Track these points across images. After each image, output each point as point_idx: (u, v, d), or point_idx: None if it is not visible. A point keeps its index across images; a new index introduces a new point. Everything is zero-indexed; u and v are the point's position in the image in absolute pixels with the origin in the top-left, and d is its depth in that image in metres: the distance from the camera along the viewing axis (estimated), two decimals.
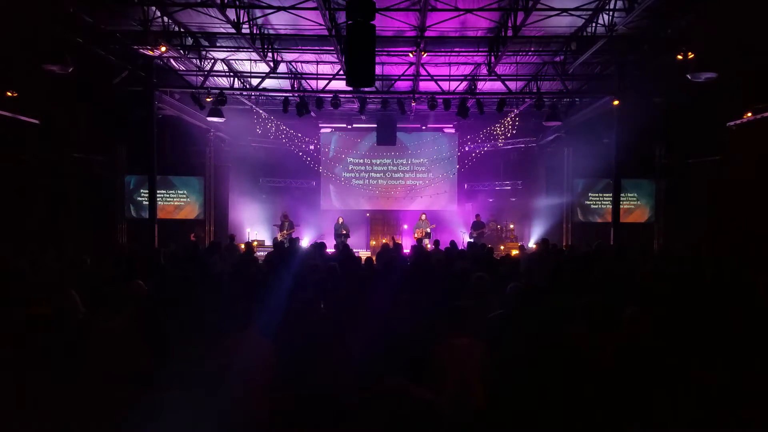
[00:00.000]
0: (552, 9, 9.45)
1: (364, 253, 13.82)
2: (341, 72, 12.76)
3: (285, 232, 15.91)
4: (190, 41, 11.53)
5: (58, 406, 3.36)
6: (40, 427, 3.37)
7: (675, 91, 12.43)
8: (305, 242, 16.33)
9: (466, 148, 19.12)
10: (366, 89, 13.28)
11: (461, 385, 3.74)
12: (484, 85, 14.63)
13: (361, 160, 19.54)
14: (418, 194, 19.37)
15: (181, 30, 11.13)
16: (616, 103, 13.25)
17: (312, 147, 18.90)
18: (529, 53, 12.14)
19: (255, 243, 15.90)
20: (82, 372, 3.52)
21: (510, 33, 10.02)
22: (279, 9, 9.82)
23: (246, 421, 3.61)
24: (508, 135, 17.48)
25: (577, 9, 9.67)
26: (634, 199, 16.19)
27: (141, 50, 11.23)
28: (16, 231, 10.75)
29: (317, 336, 4.41)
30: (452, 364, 3.78)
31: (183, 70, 13.66)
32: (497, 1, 9.61)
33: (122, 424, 3.39)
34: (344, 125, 19.11)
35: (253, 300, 4.66)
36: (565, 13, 9.75)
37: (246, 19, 10.02)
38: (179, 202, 16.09)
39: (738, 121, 12.24)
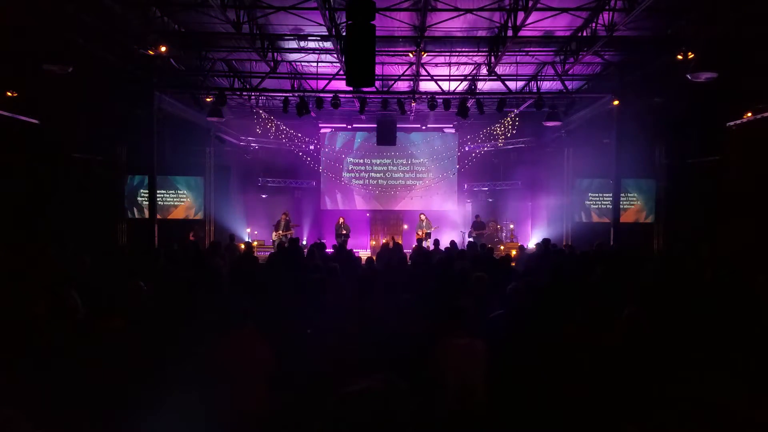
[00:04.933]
0: (552, 9, 9.45)
1: (364, 253, 13.84)
2: (341, 72, 12.76)
3: (280, 232, 15.84)
4: (190, 41, 11.53)
5: (58, 407, 3.36)
6: (38, 427, 3.37)
7: (675, 91, 12.43)
8: (304, 242, 16.35)
9: (466, 148, 19.13)
10: (366, 89, 13.27)
11: (462, 385, 3.73)
12: (484, 85, 14.63)
13: (361, 160, 19.54)
14: (418, 194, 19.37)
15: (182, 30, 11.12)
16: (616, 103, 13.26)
17: (312, 147, 18.91)
18: (529, 53, 12.15)
19: (255, 243, 15.92)
20: (81, 372, 3.52)
21: (510, 33, 10.02)
22: (279, 9, 9.82)
23: (244, 420, 3.62)
24: (508, 135, 17.48)
25: (577, 9, 9.67)
26: (635, 199, 16.18)
27: (141, 50, 11.22)
28: (16, 231, 10.74)
29: (317, 335, 4.41)
30: (452, 363, 3.77)
31: (183, 70, 13.66)
32: (497, 1, 9.61)
33: (122, 424, 3.38)
34: (344, 125, 19.12)
35: (252, 299, 4.66)
36: (565, 13, 9.76)
37: (246, 19, 10.03)
38: (179, 202, 16.08)
39: (738, 121, 12.22)
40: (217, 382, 3.65)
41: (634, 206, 16.15)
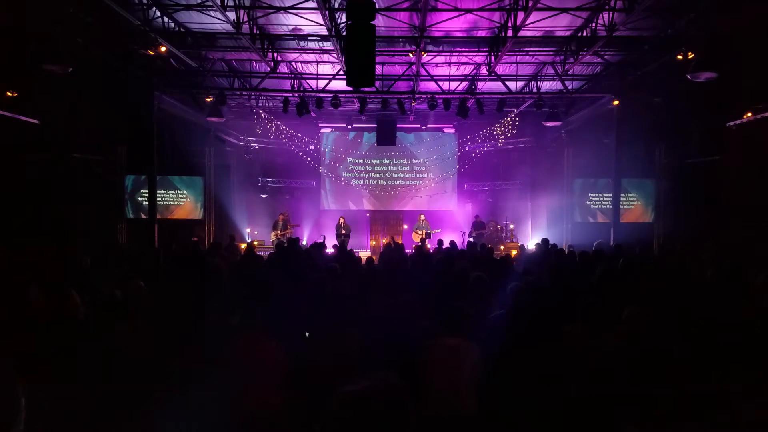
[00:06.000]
0: (552, 9, 9.44)
1: (364, 253, 13.83)
2: (341, 72, 12.76)
3: (279, 232, 15.85)
4: (190, 41, 11.53)
5: (58, 408, 3.35)
6: (39, 428, 3.36)
7: (675, 91, 12.43)
8: (304, 242, 16.34)
9: (466, 148, 19.11)
10: (366, 89, 13.27)
11: (448, 387, 3.70)
12: (484, 85, 14.62)
13: (361, 160, 19.53)
14: (418, 194, 19.37)
15: (181, 30, 11.13)
16: (616, 103, 13.26)
17: (312, 147, 18.90)
18: (529, 53, 12.15)
19: (255, 243, 15.92)
20: (82, 373, 3.52)
21: (510, 33, 10.02)
22: (279, 9, 9.82)
23: (253, 422, 3.61)
24: (508, 135, 17.47)
25: (577, 9, 9.67)
26: (635, 199, 16.18)
27: (141, 50, 11.23)
28: (16, 231, 10.74)
29: (317, 335, 4.41)
30: (441, 363, 3.75)
31: (183, 70, 13.66)
32: (497, 1, 9.61)
33: (123, 426, 3.38)
34: (344, 125, 19.10)
35: (257, 300, 4.66)
36: (565, 13, 9.75)
37: (246, 19, 10.03)
38: (179, 202, 16.08)
39: (738, 121, 12.23)
40: (230, 383, 3.64)
41: (634, 206, 16.16)
